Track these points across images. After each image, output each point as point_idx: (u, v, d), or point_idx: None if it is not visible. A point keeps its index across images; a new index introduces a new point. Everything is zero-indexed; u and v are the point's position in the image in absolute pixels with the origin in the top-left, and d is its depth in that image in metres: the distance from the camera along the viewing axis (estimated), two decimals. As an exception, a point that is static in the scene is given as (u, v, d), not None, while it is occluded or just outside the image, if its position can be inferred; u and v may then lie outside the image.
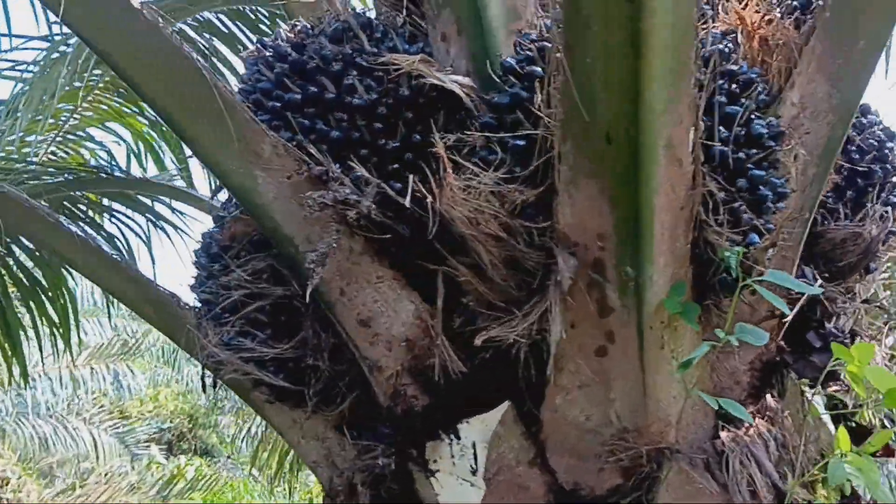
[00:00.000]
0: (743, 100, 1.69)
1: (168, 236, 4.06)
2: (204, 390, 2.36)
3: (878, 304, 2.33)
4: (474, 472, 1.90)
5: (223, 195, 2.50)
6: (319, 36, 1.95)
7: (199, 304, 2.31)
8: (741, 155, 1.67)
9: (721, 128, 1.66)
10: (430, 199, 1.77)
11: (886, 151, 2.31)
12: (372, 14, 2.17)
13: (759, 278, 1.67)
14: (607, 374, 1.77)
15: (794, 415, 1.96)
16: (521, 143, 1.67)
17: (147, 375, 15.83)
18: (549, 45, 1.68)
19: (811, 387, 1.97)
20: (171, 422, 19.70)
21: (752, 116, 1.71)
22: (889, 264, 2.45)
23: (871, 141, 2.31)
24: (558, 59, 1.48)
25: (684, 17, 1.42)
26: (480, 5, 1.93)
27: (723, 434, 1.86)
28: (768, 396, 1.93)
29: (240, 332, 2.12)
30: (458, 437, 1.93)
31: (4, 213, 2.57)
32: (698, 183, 1.63)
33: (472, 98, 1.89)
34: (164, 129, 4.06)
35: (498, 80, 1.79)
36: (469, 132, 1.81)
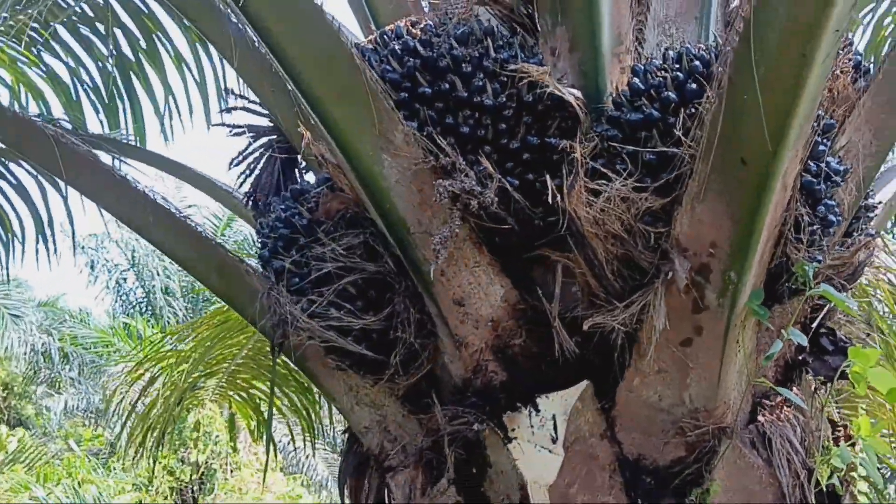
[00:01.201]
0: (826, 141, 2.03)
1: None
2: (273, 355, 2.45)
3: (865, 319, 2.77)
4: (554, 441, 2.14)
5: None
6: (446, 36, 2.11)
7: (271, 273, 2.38)
8: (822, 186, 2.01)
9: (811, 162, 1.99)
10: (558, 197, 1.99)
11: (868, 192, 2.75)
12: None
13: (815, 290, 2.03)
14: (687, 362, 2.07)
15: (810, 406, 2.33)
16: (654, 157, 1.92)
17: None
18: (681, 75, 1.95)
19: (823, 383, 2.35)
20: (-16, 390, 18.51)
21: (829, 155, 2.05)
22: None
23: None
24: (719, 92, 1.75)
25: (827, 68, 1.73)
26: (596, 27, 2.17)
27: (761, 418, 2.20)
28: (795, 388, 2.29)
29: (329, 302, 2.24)
30: (537, 409, 2.17)
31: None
32: (791, 207, 1.96)
33: (582, 110, 2.12)
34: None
35: (624, 98, 2.03)
36: (581, 142, 2.05)
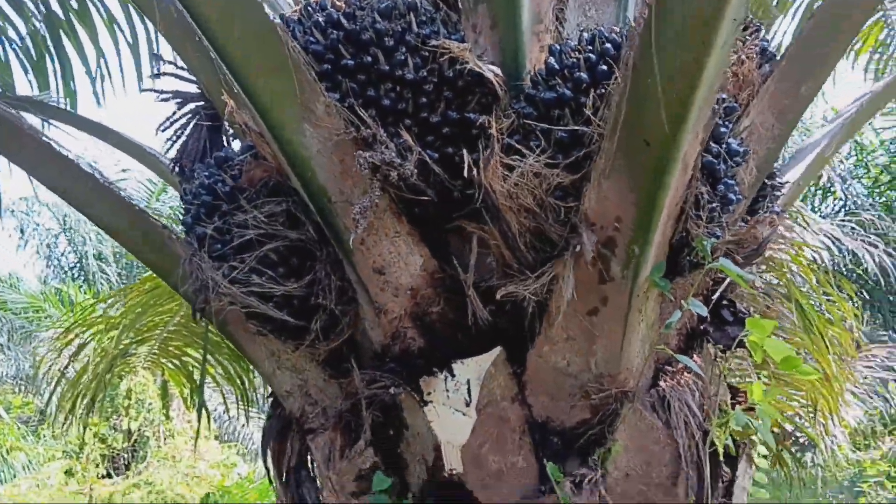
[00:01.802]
0: (727, 123, 2.14)
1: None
2: (194, 320, 2.49)
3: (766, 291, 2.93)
4: (468, 404, 2.24)
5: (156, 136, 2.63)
6: (370, 10, 2.16)
7: (194, 239, 2.42)
8: (723, 166, 2.13)
9: (712, 143, 2.11)
10: (474, 171, 2.07)
11: (774, 171, 2.90)
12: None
13: (713, 264, 2.15)
14: (593, 330, 2.18)
15: (708, 373, 2.48)
16: (566, 135, 2.01)
17: None
18: (594, 56, 2.04)
19: (722, 352, 2.50)
20: None
21: (730, 137, 2.17)
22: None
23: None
24: (625, 75, 1.84)
25: (726, 56, 1.84)
26: (516, 5, 2.24)
27: (662, 383, 2.33)
28: (695, 356, 2.43)
29: (250, 269, 2.29)
30: (453, 374, 2.26)
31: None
32: (692, 185, 2.07)
33: (501, 87, 2.20)
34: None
35: (540, 77, 2.11)
36: (498, 118, 2.13)
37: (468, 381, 2.25)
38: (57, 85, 4.32)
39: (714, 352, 2.55)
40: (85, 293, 16.43)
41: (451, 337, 2.30)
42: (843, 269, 13.11)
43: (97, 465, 14.74)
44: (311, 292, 2.32)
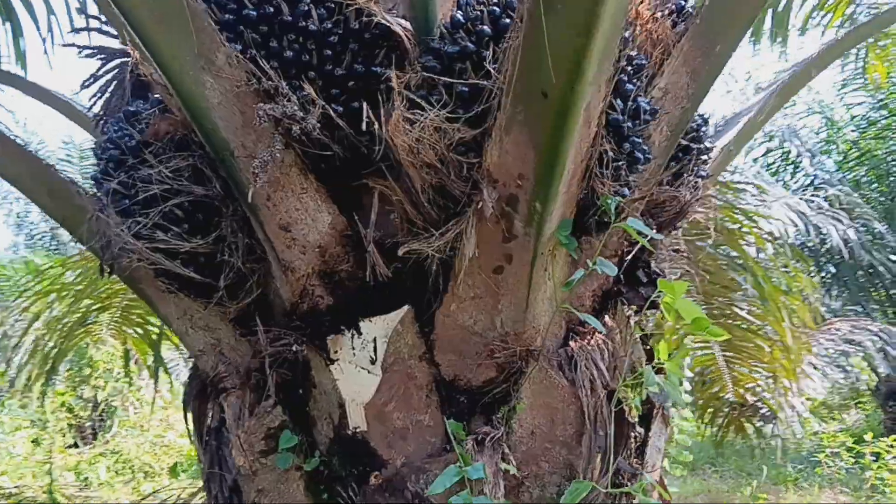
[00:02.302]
0: (635, 80, 2.12)
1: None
2: (101, 275, 2.45)
3: (685, 254, 2.93)
4: (373, 362, 2.23)
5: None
6: (274, -40, 2.11)
7: (102, 194, 2.38)
8: (629, 124, 2.11)
9: (618, 100, 2.09)
10: (376, 125, 2.04)
11: (701, 134, 2.88)
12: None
13: (623, 224, 2.14)
14: (499, 288, 2.17)
15: (622, 334, 2.47)
16: (466, 89, 1.98)
17: None
18: (497, 9, 2.01)
19: (636, 312, 2.50)
20: None
21: (640, 94, 2.15)
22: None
23: (692, 123, 2.87)
24: (518, 26, 1.81)
25: (624, 7, 1.81)
26: (426, -41, 2.20)
27: (572, 343, 2.33)
28: (607, 317, 2.43)
29: (156, 224, 2.26)
30: (360, 333, 2.25)
31: None
32: (597, 142, 2.05)
33: (410, 41, 2.16)
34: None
35: (445, 30, 2.08)
36: (425, 73, 2.09)
37: (374, 340, 2.24)
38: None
39: (629, 313, 2.55)
40: (53, 261, 16.22)
41: (361, 296, 2.27)
42: (810, 244, 13.24)
43: (64, 435, 14.64)
44: (218, 249, 2.29)
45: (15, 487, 11.40)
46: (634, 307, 2.49)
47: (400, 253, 2.11)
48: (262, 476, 2.36)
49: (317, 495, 2.34)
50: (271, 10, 2.08)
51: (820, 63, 3.34)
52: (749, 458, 12.42)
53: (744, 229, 5.51)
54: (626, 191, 2.17)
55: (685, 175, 2.78)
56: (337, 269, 2.28)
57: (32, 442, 14.53)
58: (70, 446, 14.45)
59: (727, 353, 6.13)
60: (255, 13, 2.09)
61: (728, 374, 6.29)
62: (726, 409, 6.70)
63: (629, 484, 2.27)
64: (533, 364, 2.23)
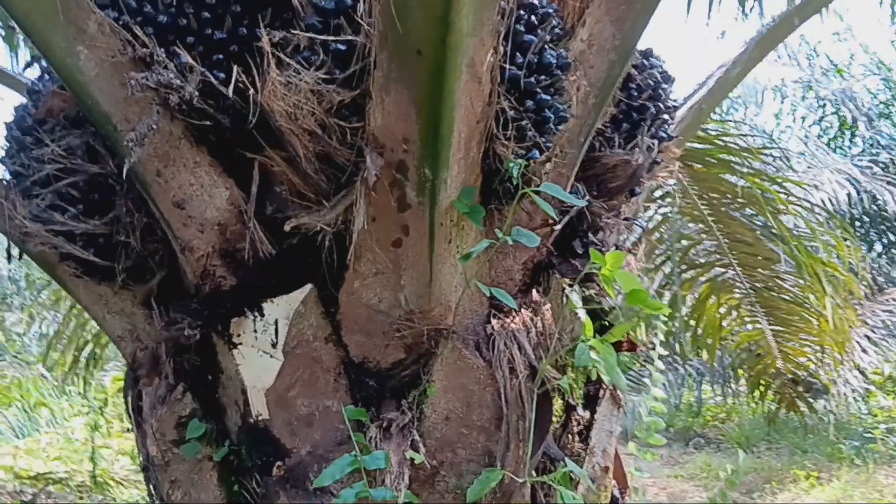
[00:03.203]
0: (539, 31, 1.93)
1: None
2: (9, 261, 2.38)
3: (637, 222, 2.72)
4: (274, 346, 2.10)
5: (35, 70, 2.48)
6: (149, -82, 1.98)
7: (8, 177, 2.30)
8: (532, 80, 1.92)
9: (518, 53, 1.90)
10: (251, 90, 1.89)
11: (661, 91, 2.67)
12: None
13: (536, 189, 1.96)
14: (400, 262, 2.01)
15: (556, 309, 2.29)
16: (343, 47, 1.82)
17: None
18: (374, -41, 1.84)
19: (570, 285, 2.31)
20: (-51, 314, 18.30)
21: (546, 47, 1.96)
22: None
23: (648, 81, 2.65)
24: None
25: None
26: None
27: (494, 321, 2.16)
28: (534, 291, 2.25)
29: (50, 205, 2.16)
30: (262, 315, 2.11)
31: None
32: (493, 100, 1.87)
33: (300, 1, 2.01)
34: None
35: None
36: (294, 31, 1.93)
37: (276, 321, 2.10)
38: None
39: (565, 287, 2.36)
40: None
41: (264, 275, 2.14)
42: (866, 211, 12.67)
43: (122, 420, 14.94)
44: (116, 230, 2.18)
45: (65, 472, 11.70)
46: (568, 280, 2.30)
47: (286, 228, 1.96)
48: (174, 466, 2.27)
49: (230, 486, 2.23)
50: (143, -28, 1.95)
51: (801, 12, 3.07)
52: (803, 435, 12.02)
53: (768, 195, 5.18)
54: (536, 153, 1.99)
55: (639, 136, 2.58)
56: (239, 247, 2.15)
57: (91, 427, 14.91)
58: (128, 430, 14.77)
59: (775, 328, 5.87)
60: (126, -23, 1.96)
61: (777, 349, 6.04)
62: (776, 384, 6.44)
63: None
64: (444, 344, 2.07)
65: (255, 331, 2.11)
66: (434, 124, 1.79)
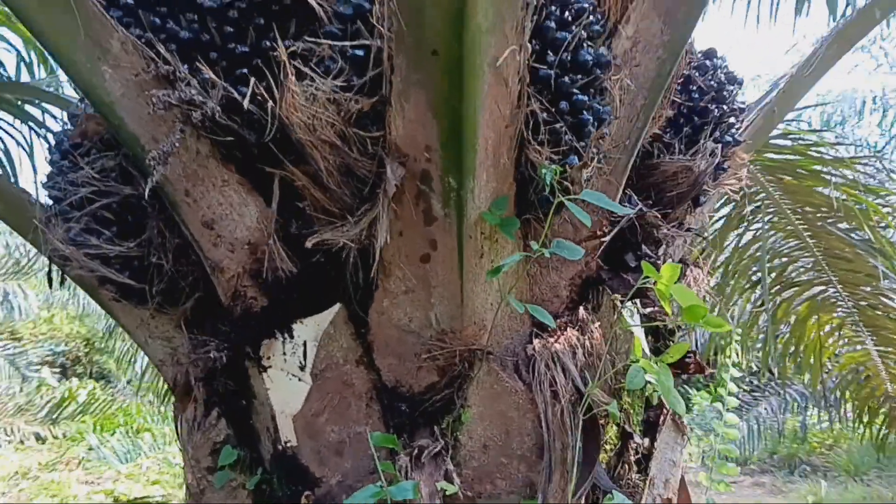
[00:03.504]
0: (573, 27, 1.79)
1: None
2: (50, 286, 2.38)
3: (702, 234, 2.52)
4: (302, 369, 2.01)
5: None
6: (171, -65, 1.95)
7: (49, 201, 2.30)
8: (566, 79, 1.78)
9: (550, 52, 1.77)
10: (270, 103, 1.82)
11: (725, 93, 2.48)
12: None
13: (574, 197, 1.81)
14: (429, 279, 1.89)
15: (607, 327, 2.12)
16: (360, 52, 1.73)
17: (41, 297, 15.33)
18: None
19: (622, 302, 2.14)
20: (66, 345, 19.11)
21: (583, 44, 1.82)
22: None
23: (711, 83, 2.48)
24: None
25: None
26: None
27: (536, 341, 2.01)
28: (581, 309, 2.08)
29: (86, 229, 2.14)
30: (292, 336, 2.03)
31: None
32: (523, 103, 1.74)
33: (324, 9, 1.93)
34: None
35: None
36: (308, 39, 1.86)
37: (305, 343, 2.01)
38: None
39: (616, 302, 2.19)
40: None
41: (295, 295, 2.06)
42: None
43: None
44: (148, 252, 2.14)
45: (162, 496, 11.96)
46: (618, 296, 2.13)
47: (308, 245, 1.87)
48: (209, 495, 2.19)
49: (265, 516, 2.14)
50: (165, -12, 1.92)
51: (882, 3, 2.81)
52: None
53: (866, 208, 4.82)
54: (575, 158, 1.84)
55: (701, 141, 2.40)
56: (270, 267, 2.08)
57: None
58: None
59: (881, 348, 5.51)
60: (149, -7, 1.93)
61: (884, 371, 5.68)
62: (886, 408, 6.06)
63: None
64: (479, 366, 1.93)
65: (285, 353, 2.03)
66: (456, 130, 1.68)
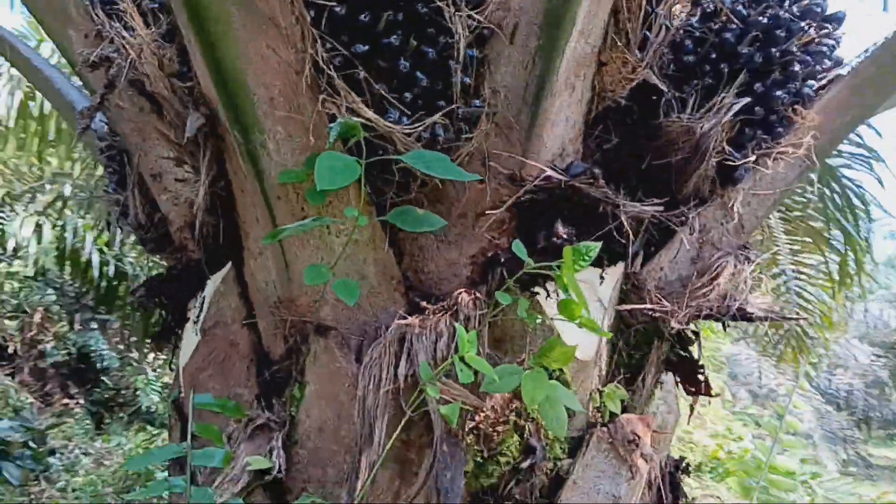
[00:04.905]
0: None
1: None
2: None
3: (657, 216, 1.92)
4: (196, 322, 2.02)
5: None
6: None
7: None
8: (364, 18, 1.52)
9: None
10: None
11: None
12: None
13: (401, 157, 1.54)
14: (261, 241, 1.77)
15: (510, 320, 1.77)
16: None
17: None
18: None
19: (522, 288, 1.77)
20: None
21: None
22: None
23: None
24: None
25: None
26: None
27: (396, 322, 1.74)
28: (463, 292, 1.75)
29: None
30: (203, 291, 2.05)
31: None
32: (306, 47, 1.53)
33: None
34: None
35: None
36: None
37: (204, 299, 2.02)
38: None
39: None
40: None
41: (216, 252, 2.07)
42: None
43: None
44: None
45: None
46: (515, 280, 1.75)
47: (164, 198, 1.87)
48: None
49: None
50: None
51: None
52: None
53: None
54: (396, 114, 1.56)
55: (718, 97, 1.90)
56: (205, 221, 2.11)
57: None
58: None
59: None
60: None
61: None
62: None
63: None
64: (317, 341, 1.75)
65: (196, 308, 2.06)
66: (220, 76, 1.54)
